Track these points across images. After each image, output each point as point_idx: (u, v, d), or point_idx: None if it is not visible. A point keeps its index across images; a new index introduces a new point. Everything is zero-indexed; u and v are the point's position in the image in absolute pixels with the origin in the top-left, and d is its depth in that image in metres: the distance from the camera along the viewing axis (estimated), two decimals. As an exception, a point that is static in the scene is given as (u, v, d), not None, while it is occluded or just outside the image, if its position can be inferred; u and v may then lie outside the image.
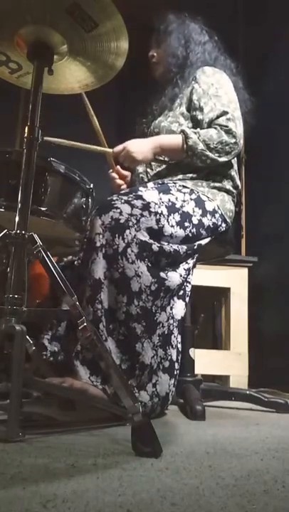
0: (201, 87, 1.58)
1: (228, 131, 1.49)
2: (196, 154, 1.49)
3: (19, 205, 0.98)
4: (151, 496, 0.60)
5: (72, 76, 1.17)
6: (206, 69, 1.64)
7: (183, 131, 1.50)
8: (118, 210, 1.27)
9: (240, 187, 1.67)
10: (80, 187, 1.21)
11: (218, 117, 1.51)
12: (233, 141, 1.49)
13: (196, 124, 1.57)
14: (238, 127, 1.52)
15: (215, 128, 1.50)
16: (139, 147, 1.50)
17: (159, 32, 1.74)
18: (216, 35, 1.76)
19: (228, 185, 1.59)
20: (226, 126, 1.49)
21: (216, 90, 1.57)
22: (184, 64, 1.68)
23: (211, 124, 1.52)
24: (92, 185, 1.25)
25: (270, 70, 2.62)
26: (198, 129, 1.51)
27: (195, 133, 1.49)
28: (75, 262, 1.43)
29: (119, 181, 1.66)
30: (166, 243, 1.34)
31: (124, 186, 1.67)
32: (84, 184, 1.22)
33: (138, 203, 1.32)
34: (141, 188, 1.39)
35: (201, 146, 1.48)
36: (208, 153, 1.48)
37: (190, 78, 1.64)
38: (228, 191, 1.59)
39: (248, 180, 2.77)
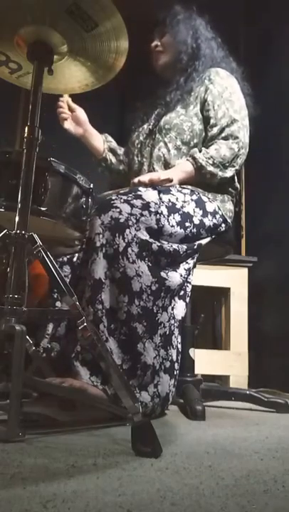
0: (216, 88, 1.59)
1: (238, 142, 1.53)
2: (215, 181, 1.54)
3: (19, 205, 0.98)
4: (151, 496, 0.60)
5: (72, 76, 1.17)
6: (220, 71, 1.64)
7: (200, 167, 1.50)
8: (118, 210, 1.26)
9: (238, 187, 1.67)
10: (80, 187, 1.20)
11: (228, 125, 1.53)
12: (242, 152, 1.54)
13: (208, 125, 1.58)
14: (246, 136, 1.56)
15: (226, 139, 1.52)
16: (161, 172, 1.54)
17: (165, 23, 1.71)
18: (220, 37, 1.75)
19: (228, 185, 1.60)
20: (237, 138, 1.53)
21: (230, 94, 1.59)
22: (195, 55, 1.67)
23: (221, 132, 1.54)
24: (92, 185, 1.24)
25: (271, 69, 2.62)
26: (211, 151, 1.51)
27: (208, 160, 1.49)
28: (74, 259, 1.42)
29: (65, 113, 1.67)
30: (165, 242, 1.34)
31: (67, 116, 1.68)
32: (84, 184, 1.21)
33: (138, 202, 1.31)
34: (140, 188, 1.39)
35: (219, 175, 1.52)
36: (225, 174, 1.53)
37: (203, 74, 1.63)
38: (227, 191, 1.60)
39: (248, 181, 2.77)
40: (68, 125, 1.69)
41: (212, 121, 1.56)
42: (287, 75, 2.48)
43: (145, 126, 1.71)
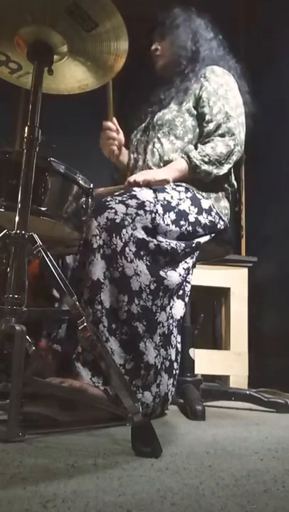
0: (212, 85, 1.59)
1: (235, 139, 1.52)
2: (210, 179, 1.53)
3: (19, 205, 0.98)
4: (151, 496, 0.60)
5: (72, 76, 1.17)
6: (216, 68, 1.64)
7: (195, 167, 1.49)
8: (113, 210, 1.26)
9: (235, 185, 1.67)
10: (80, 187, 1.21)
11: (225, 122, 1.53)
12: (237, 149, 1.54)
13: (203, 121, 1.57)
14: (242, 133, 1.56)
15: (222, 136, 1.52)
16: (156, 171, 1.53)
17: (164, 25, 1.71)
18: (220, 34, 1.75)
19: (222, 182, 1.60)
20: (234, 134, 1.52)
21: (225, 92, 1.58)
22: (194, 58, 1.67)
23: (217, 128, 1.53)
24: (92, 185, 1.24)
25: (271, 69, 2.62)
26: (207, 149, 1.50)
27: (204, 158, 1.49)
28: (72, 257, 1.42)
29: (111, 141, 1.68)
30: (163, 240, 1.34)
31: (115, 149, 1.70)
32: (84, 184, 1.21)
33: (132, 202, 1.31)
34: (135, 188, 1.39)
35: (214, 173, 1.51)
36: (221, 172, 1.52)
37: (199, 74, 1.63)
38: (222, 189, 1.60)
39: (248, 180, 2.77)
40: (115, 151, 1.71)
41: (207, 117, 1.56)
42: (287, 75, 2.48)
43: (142, 124, 1.74)
